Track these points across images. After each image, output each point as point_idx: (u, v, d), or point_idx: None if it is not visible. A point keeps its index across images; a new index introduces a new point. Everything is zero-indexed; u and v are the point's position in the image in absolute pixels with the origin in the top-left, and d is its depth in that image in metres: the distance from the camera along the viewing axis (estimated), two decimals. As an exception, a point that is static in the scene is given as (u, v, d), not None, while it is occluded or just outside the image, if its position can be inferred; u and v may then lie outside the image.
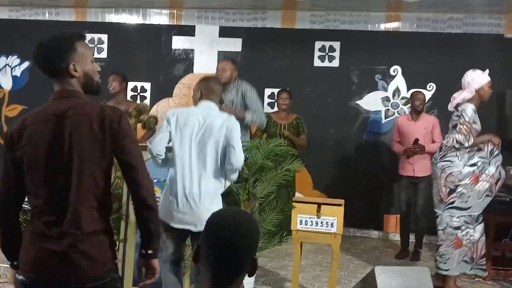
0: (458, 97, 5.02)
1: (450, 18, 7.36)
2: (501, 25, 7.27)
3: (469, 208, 4.94)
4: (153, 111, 7.01)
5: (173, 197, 3.72)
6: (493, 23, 7.28)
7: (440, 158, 5.07)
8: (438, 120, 6.28)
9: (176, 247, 3.86)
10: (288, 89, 6.80)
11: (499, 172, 4.99)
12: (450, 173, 4.95)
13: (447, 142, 4.98)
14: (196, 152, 3.71)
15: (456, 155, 4.93)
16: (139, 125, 5.81)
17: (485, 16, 7.26)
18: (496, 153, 4.99)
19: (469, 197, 4.91)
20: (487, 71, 5.07)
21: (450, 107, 5.13)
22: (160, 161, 3.81)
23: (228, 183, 4.00)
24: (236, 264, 1.69)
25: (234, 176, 3.88)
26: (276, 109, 7.02)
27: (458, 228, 4.94)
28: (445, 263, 4.97)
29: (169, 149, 3.83)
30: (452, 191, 4.98)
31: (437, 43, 7.36)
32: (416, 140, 6.10)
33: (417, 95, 6.32)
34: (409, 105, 7.26)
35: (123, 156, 2.27)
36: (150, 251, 2.33)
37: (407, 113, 7.34)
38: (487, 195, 4.96)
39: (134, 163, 2.28)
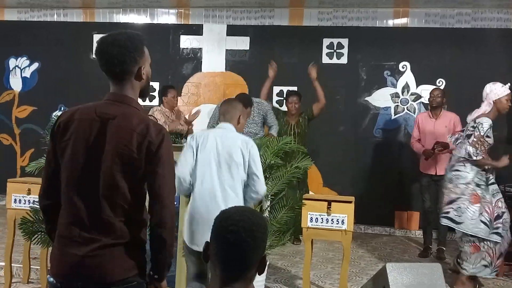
0: (479, 111, 5.04)
1: (459, 13, 7.32)
2: (510, 19, 7.21)
3: (461, 223, 4.94)
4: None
5: (195, 221, 3.65)
6: (502, 18, 7.23)
7: (450, 169, 5.11)
8: (459, 117, 6.11)
9: (199, 269, 3.76)
10: (297, 91, 6.75)
11: (502, 205, 4.98)
12: (456, 184, 4.99)
13: (458, 153, 5.00)
14: (217, 175, 3.64)
15: (464, 165, 4.95)
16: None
17: (494, 10, 7.22)
18: (491, 181, 5.01)
19: (463, 213, 4.93)
20: (508, 85, 5.06)
21: (470, 119, 5.12)
22: (184, 186, 3.68)
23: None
24: (242, 259, 1.70)
25: (254, 203, 3.81)
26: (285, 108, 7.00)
27: (473, 235, 4.94)
28: (463, 264, 5.00)
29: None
30: (451, 202, 5.02)
31: (446, 38, 7.33)
32: (437, 143, 5.99)
33: (433, 91, 6.25)
34: (418, 101, 7.29)
35: (152, 183, 2.20)
36: (156, 276, 2.30)
37: (417, 109, 7.35)
38: (482, 221, 4.90)
39: (160, 193, 2.21)
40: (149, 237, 2.27)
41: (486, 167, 4.98)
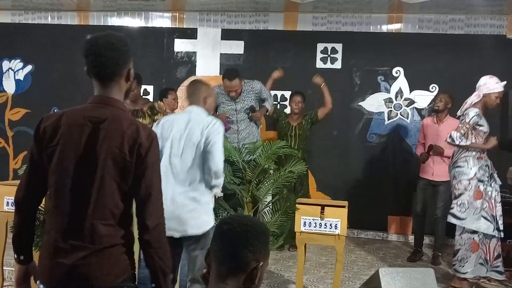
0: (467, 102, 5.08)
1: (452, 19, 7.35)
2: (503, 26, 7.26)
3: (464, 219, 4.98)
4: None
5: None
6: (495, 24, 7.27)
7: (453, 165, 5.14)
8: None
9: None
10: (301, 92, 6.70)
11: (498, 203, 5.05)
12: (460, 180, 5.02)
13: (445, 140, 5.09)
14: (180, 161, 3.63)
15: (466, 161, 4.98)
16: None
17: (487, 17, 7.26)
18: (495, 176, 5.08)
19: (467, 208, 4.96)
20: (504, 82, 5.09)
21: (459, 112, 5.17)
22: None
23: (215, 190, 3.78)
24: (233, 251, 1.74)
25: (216, 182, 3.65)
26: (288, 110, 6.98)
27: (474, 232, 4.96)
28: (463, 267, 5.00)
29: None
30: (455, 197, 5.06)
31: (440, 44, 7.36)
32: (431, 147, 6.05)
33: (436, 95, 6.31)
34: (412, 106, 7.33)
35: (140, 186, 2.20)
36: (153, 285, 2.27)
37: (410, 114, 7.39)
38: (483, 216, 4.95)
39: (148, 197, 2.21)
40: (139, 240, 2.25)
41: (489, 164, 5.01)
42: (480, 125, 4.95)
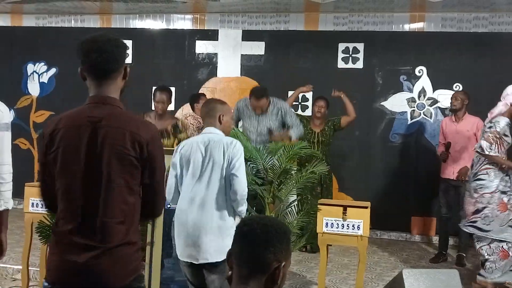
0: (494, 111, 5.02)
1: (476, 17, 7.26)
2: (528, 23, 7.16)
3: (488, 231, 4.93)
4: (177, 115, 6.99)
5: (181, 229, 3.60)
6: (520, 22, 7.17)
7: (473, 177, 5.07)
8: (483, 122, 5.92)
9: (197, 281, 3.68)
10: (325, 97, 6.60)
11: None
12: (482, 194, 4.95)
13: (474, 149, 5.00)
14: (203, 185, 3.55)
15: (487, 173, 4.92)
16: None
17: (512, 14, 7.16)
18: None
19: (492, 221, 4.91)
20: None
21: (487, 122, 5.11)
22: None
23: (237, 219, 3.67)
24: (253, 252, 1.74)
25: (242, 208, 3.60)
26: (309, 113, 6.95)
27: (503, 240, 4.90)
28: (491, 273, 4.95)
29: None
30: (478, 211, 4.99)
31: (463, 42, 7.27)
32: (449, 144, 6.01)
33: (454, 94, 6.24)
34: (435, 106, 7.24)
35: (150, 177, 2.28)
36: None
37: (433, 114, 7.32)
38: (510, 226, 4.90)
39: (153, 189, 2.32)
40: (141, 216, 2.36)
41: (510, 174, 4.94)
42: (506, 135, 4.90)
